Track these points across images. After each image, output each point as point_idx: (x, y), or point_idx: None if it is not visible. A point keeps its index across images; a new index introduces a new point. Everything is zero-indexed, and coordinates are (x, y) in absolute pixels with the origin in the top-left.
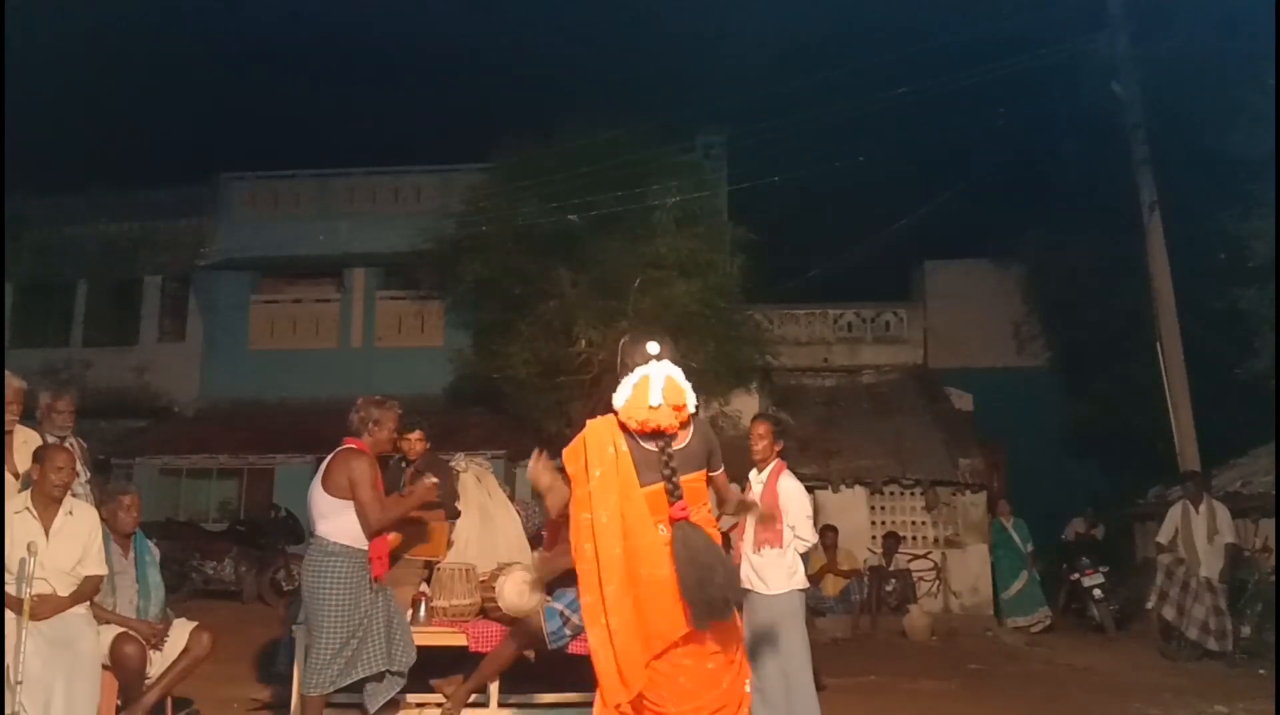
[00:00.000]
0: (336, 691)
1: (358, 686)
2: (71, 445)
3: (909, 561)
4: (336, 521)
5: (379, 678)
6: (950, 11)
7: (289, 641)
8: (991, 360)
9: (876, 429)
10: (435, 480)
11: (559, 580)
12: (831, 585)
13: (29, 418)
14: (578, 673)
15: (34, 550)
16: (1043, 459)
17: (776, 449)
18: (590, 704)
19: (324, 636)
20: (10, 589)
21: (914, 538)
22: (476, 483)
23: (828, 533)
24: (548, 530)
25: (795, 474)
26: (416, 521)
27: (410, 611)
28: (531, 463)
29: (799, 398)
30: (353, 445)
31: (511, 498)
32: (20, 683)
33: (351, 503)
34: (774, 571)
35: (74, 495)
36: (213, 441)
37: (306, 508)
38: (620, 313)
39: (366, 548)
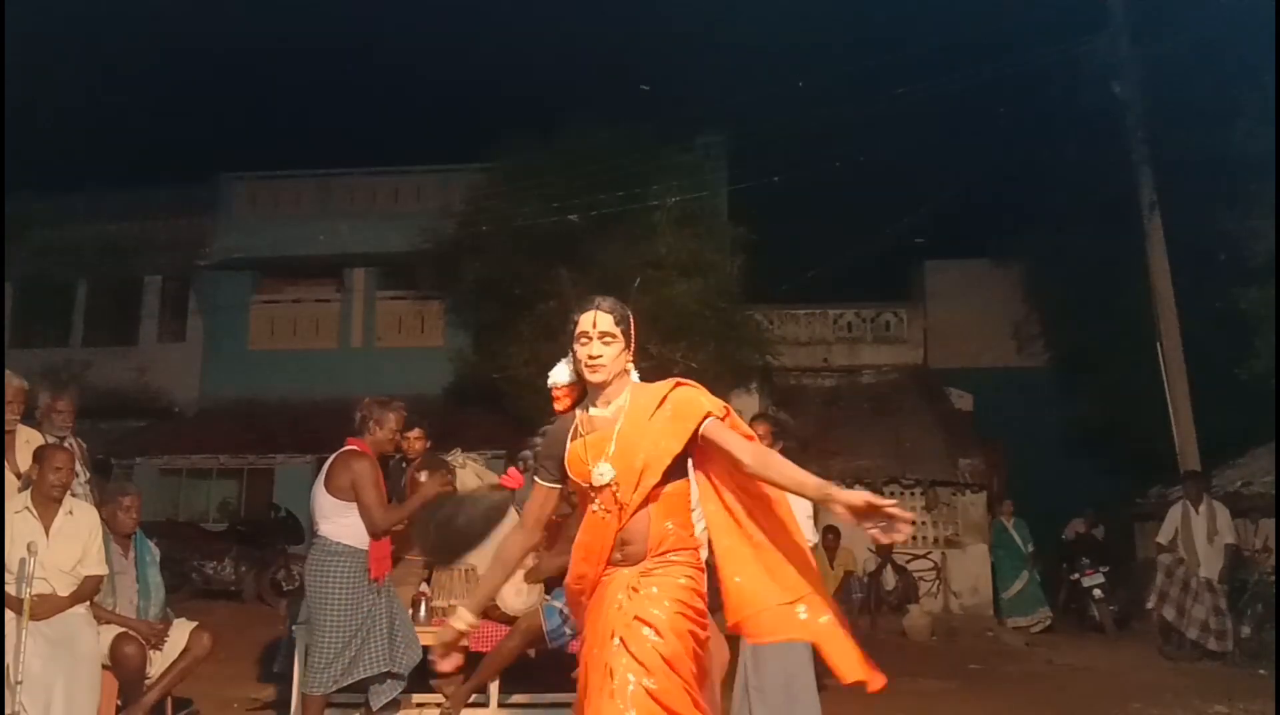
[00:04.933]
0: (337, 691)
1: (358, 686)
2: (71, 445)
3: (909, 561)
4: (338, 522)
5: (381, 679)
6: (950, 11)
7: (289, 641)
8: (991, 360)
9: (876, 429)
10: (442, 473)
11: (558, 579)
12: (830, 582)
13: (29, 417)
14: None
15: (34, 550)
16: (1043, 459)
17: (776, 449)
18: None
19: (326, 636)
20: (10, 589)
21: (914, 538)
22: (476, 480)
23: (828, 535)
24: (547, 530)
25: None
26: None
27: (411, 611)
28: None
29: (799, 398)
30: (354, 446)
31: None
32: (20, 683)
33: (353, 504)
34: None
35: (74, 495)
36: (213, 441)
37: (309, 508)
38: None
39: (368, 548)
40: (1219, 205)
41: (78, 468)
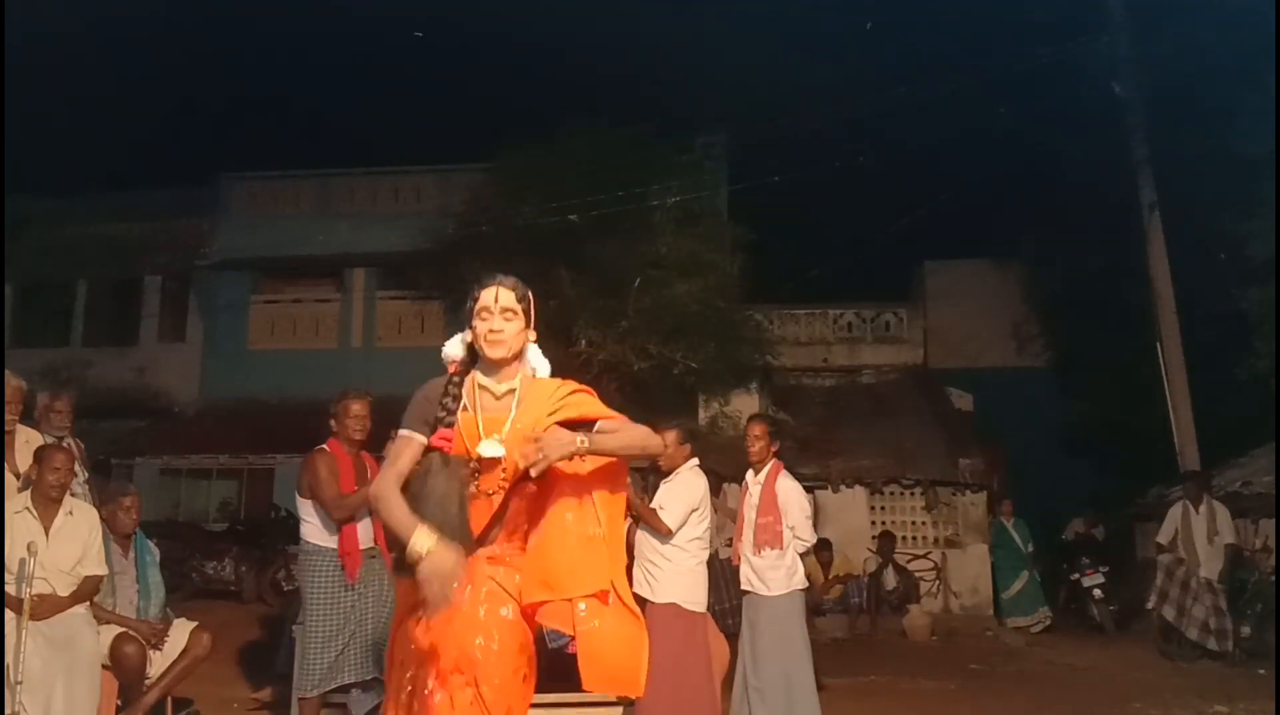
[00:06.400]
0: (335, 691)
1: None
2: (70, 445)
3: (908, 561)
4: (307, 522)
5: (366, 685)
6: (951, 12)
7: (289, 641)
8: (991, 360)
9: (876, 429)
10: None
11: None
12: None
13: (28, 417)
14: (578, 672)
15: (34, 550)
16: (1043, 459)
17: (773, 450)
18: (589, 704)
19: (309, 635)
20: (10, 589)
21: (914, 538)
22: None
23: (822, 551)
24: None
25: (795, 474)
26: None
27: None
28: None
29: (799, 398)
30: (325, 447)
31: None
32: (20, 683)
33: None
34: (774, 573)
35: (73, 495)
36: (213, 441)
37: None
38: (620, 313)
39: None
40: (1219, 205)
41: (76, 468)
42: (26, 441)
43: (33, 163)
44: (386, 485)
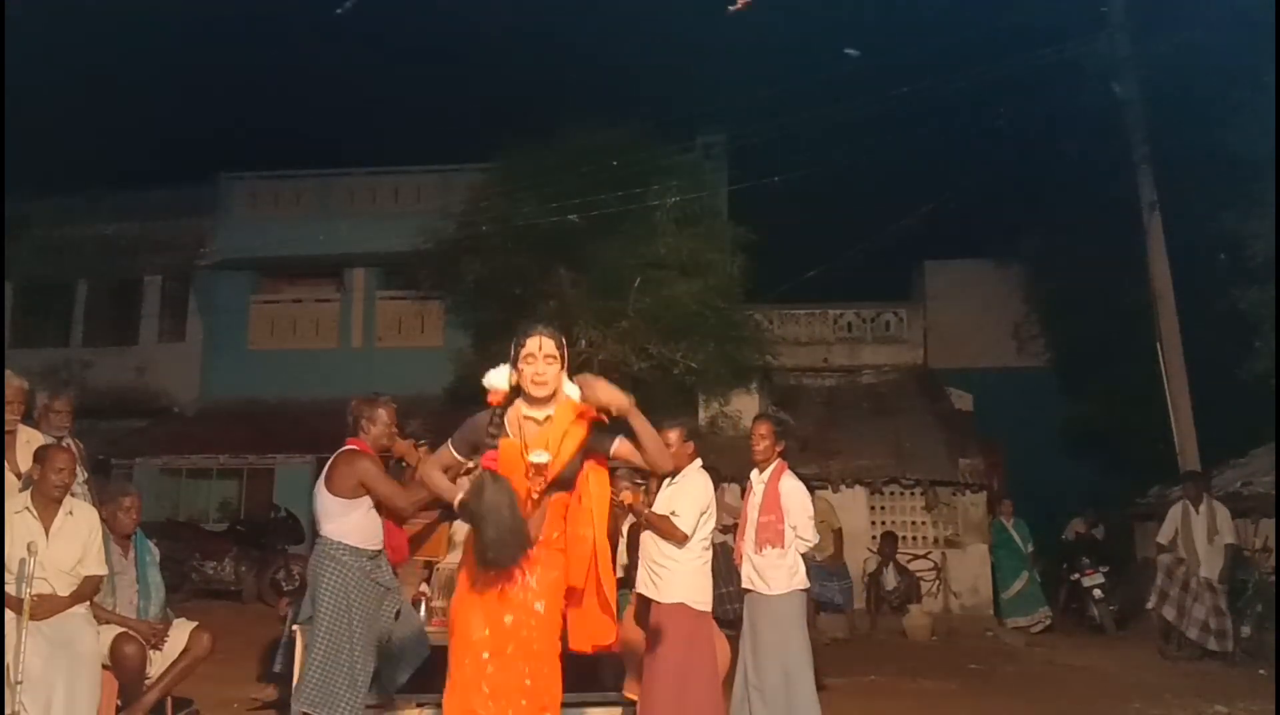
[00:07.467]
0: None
1: None
2: (69, 446)
3: (909, 561)
4: (342, 522)
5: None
6: (951, 12)
7: (289, 641)
8: (991, 360)
9: (876, 429)
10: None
11: None
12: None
13: (28, 418)
14: (578, 672)
15: (34, 550)
16: (1043, 459)
17: (778, 449)
18: (592, 704)
19: (320, 641)
20: (10, 589)
21: (914, 538)
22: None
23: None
24: None
25: (795, 474)
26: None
27: None
28: None
29: (799, 398)
30: (354, 446)
31: None
32: (20, 683)
33: (358, 502)
34: (775, 572)
35: (72, 495)
36: (213, 441)
37: (311, 508)
38: (620, 313)
39: (374, 548)
40: (1219, 205)
41: (76, 468)
42: (27, 441)
43: (33, 163)
44: (433, 467)
